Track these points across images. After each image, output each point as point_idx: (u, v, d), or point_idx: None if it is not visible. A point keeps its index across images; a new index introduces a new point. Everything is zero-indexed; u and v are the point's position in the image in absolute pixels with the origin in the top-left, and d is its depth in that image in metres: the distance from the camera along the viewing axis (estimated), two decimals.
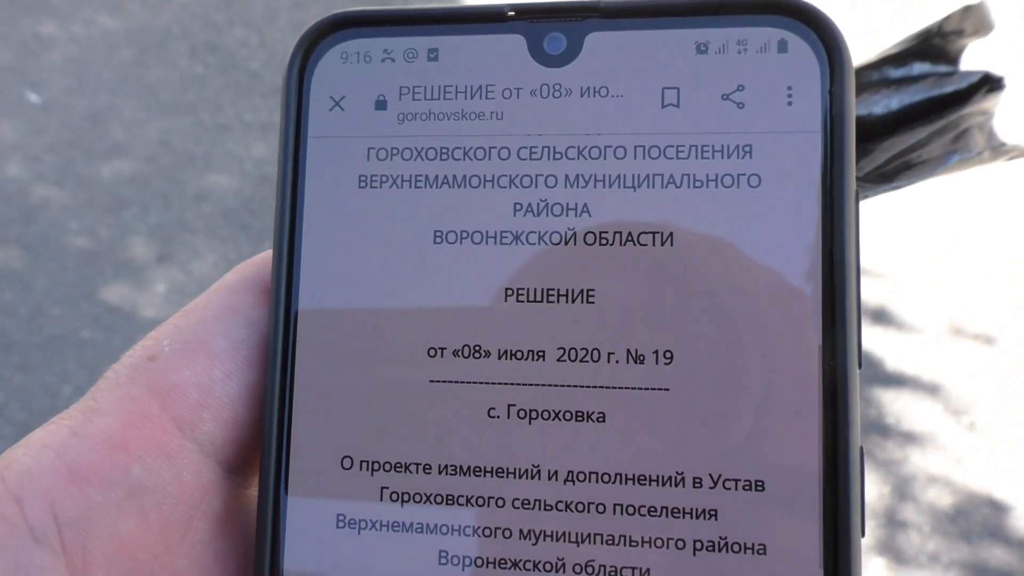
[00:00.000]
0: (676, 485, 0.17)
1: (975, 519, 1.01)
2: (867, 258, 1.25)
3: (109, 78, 1.50)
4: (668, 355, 0.18)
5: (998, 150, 0.33)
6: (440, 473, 0.18)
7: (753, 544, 0.17)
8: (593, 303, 0.18)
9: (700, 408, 0.17)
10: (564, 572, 0.17)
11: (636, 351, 0.18)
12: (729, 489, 0.17)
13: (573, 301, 0.18)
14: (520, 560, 0.18)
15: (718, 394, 0.17)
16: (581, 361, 0.18)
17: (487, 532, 0.18)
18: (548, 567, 0.18)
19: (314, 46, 0.20)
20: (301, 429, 0.19)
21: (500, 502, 0.18)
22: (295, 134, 0.19)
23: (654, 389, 0.18)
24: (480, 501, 0.18)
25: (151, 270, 1.26)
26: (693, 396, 0.17)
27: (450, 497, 0.18)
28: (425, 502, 0.18)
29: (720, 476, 0.17)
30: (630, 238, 0.18)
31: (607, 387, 0.18)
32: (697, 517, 0.17)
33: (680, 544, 0.17)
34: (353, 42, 0.20)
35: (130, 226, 1.31)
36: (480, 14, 0.19)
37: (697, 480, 0.17)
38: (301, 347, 0.19)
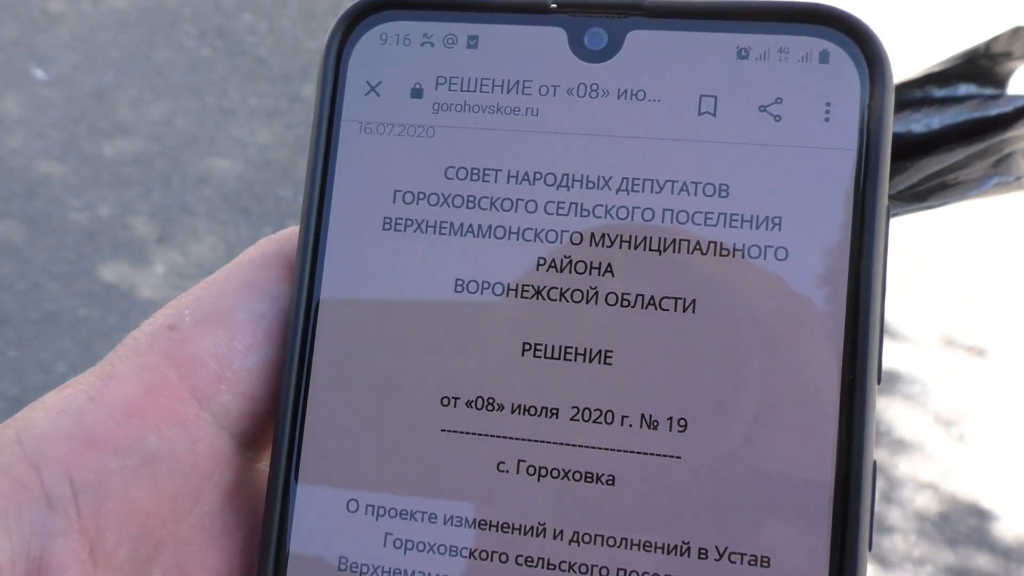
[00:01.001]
0: (681, 555, 0.17)
1: (961, 527, 1.02)
2: None
3: (116, 57, 1.50)
4: (682, 423, 0.17)
5: None
6: (445, 524, 0.18)
7: None
8: (611, 365, 0.18)
9: (710, 478, 0.17)
10: None
11: (650, 416, 0.18)
12: (735, 563, 0.17)
13: (590, 361, 0.18)
14: None
15: (730, 466, 0.17)
16: (594, 422, 0.18)
17: None
18: None
19: (354, 25, 0.19)
20: (309, 469, 0.19)
21: (504, 557, 0.18)
22: (329, 114, 0.19)
23: (665, 456, 0.17)
24: (484, 555, 0.18)
25: (150, 250, 1.26)
26: (704, 466, 0.17)
27: (454, 549, 0.18)
28: (429, 552, 0.18)
29: (726, 549, 0.17)
30: (652, 302, 0.18)
31: (618, 450, 0.18)
32: None
33: None
34: (393, 24, 0.19)
35: (131, 205, 1.31)
36: (523, 4, 0.19)
37: (703, 551, 0.17)
38: (316, 379, 0.19)
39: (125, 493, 0.17)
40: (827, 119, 0.18)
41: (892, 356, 1.18)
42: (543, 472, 0.18)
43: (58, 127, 1.39)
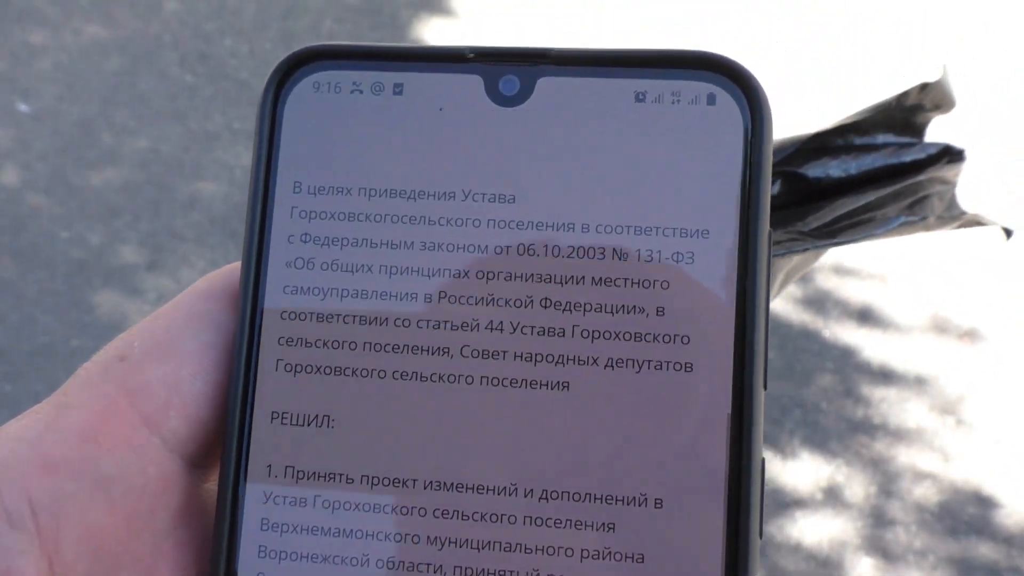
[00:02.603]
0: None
1: (962, 516, 1.01)
2: (854, 258, 1.26)
3: (99, 87, 1.50)
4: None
5: (944, 218, 0.35)
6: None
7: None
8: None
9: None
10: None
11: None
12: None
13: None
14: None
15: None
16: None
17: None
18: None
19: (289, 75, 0.21)
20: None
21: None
22: (268, 152, 0.21)
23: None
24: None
25: (141, 278, 1.27)
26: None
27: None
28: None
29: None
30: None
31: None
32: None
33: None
34: (325, 73, 0.21)
35: (120, 234, 1.31)
36: (443, 54, 0.21)
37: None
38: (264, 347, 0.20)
39: (82, 513, 0.18)
40: (714, 154, 0.20)
41: (885, 345, 1.17)
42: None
43: (44, 159, 1.40)
